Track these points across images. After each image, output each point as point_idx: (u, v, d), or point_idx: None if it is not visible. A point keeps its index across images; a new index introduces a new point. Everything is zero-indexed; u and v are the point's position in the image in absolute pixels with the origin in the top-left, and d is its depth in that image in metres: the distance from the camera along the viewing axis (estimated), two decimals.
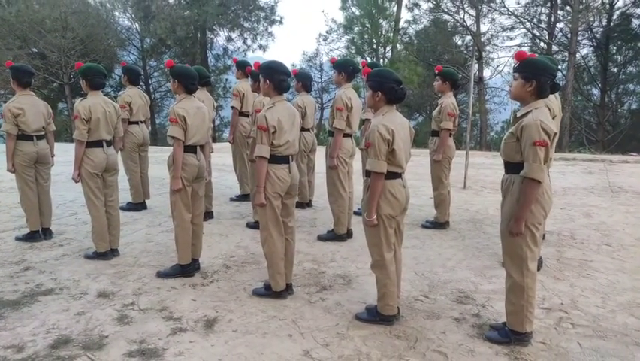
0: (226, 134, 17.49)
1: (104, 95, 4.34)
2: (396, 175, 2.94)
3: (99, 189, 4.20)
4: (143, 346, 2.79)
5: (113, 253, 4.24)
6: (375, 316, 3.08)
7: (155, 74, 25.80)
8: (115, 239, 4.29)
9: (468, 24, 22.17)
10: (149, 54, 25.33)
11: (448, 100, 5.06)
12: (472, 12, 22.01)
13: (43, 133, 4.68)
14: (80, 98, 4.30)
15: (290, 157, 3.40)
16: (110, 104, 4.31)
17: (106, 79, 4.56)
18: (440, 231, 5.12)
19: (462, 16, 22.28)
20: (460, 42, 24.12)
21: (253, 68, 5.68)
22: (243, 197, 6.27)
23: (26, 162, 4.54)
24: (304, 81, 5.58)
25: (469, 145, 7.68)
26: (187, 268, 3.85)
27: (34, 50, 22.18)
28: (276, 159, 3.31)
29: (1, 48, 21.31)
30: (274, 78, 3.36)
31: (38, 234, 4.61)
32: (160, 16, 22.78)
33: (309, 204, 5.98)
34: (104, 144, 4.21)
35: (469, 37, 22.98)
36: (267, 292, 3.47)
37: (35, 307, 3.25)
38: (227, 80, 25.78)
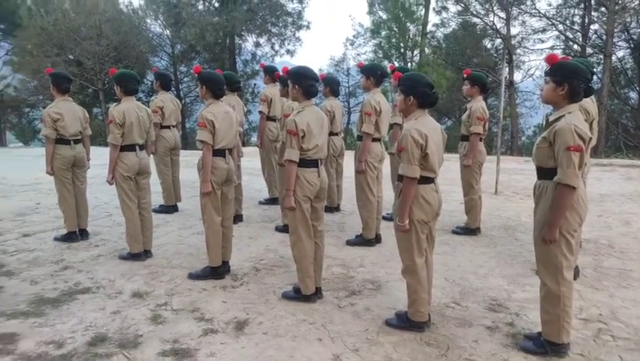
0: (254, 139, 17.67)
1: (136, 100, 4.45)
2: (429, 180, 2.92)
3: (132, 191, 4.30)
4: (176, 346, 2.84)
5: (146, 254, 4.33)
6: (406, 322, 3.05)
7: (185, 79, 26.30)
8: (148, 240, 4.38)
9: (498, 27, 21.78)
10: (179, 60, 25.87)
11: (478, 104, 4.99)
12: (502, 14, 21.61)
13: (80, 137, 4.83)
14: (115, 104, 4.42)
15: (319, 161, 3.42)
16: (142, 109, 4.43)
17: (139, 85, 4.68)
18: (471, 237, 5.03)
19: (491, 19, 21.92)
20: (489, 45, 23.72)
21: (281, 74, 5.75)
22: (271, 200, 6.32)
23: (64, 165, 4.69)
24: (332, 86, 5.60)
25: (499, 150, 7.54)
26: (217, 270, 3.90)
27: (71, 57, 22.94)
28: (306, 162, 3.34)
29: (40, 56, 22.15)
30: (303, 83, 3.39)
31: (75, 234, 4.75)
32: (190, 22, 23.23)
33: (337, 209, 5.98)
34: (137, 148, 4.32)
35: (499, 40, 22.57)
36: (297, 295, 3.48)
37: (74, 305, 3.35)
38: (255, 85, 26.07)
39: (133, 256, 4.27)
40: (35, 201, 6.03)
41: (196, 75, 4.03)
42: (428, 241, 3.02)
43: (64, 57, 22.68)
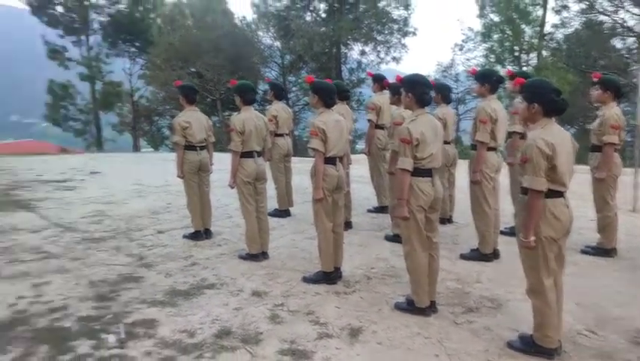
0: (359, 146, 17.81)
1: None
2: (559, 194, 2.72)
3: (251, 195, 4.57)
4: (294, 346, 2.95)
5: (263, 255, 4.57)
6: (531, 346, 2.85)
7: (294, 88, 27.40)
8: (265, 242, 4.63)
9: (630, 24, 19.61)
10: (288, 70, 27.05)
11: (611, 111, 4.52)
12: (635, 10, 19.43)
13: (205, 144, 5.24)
14: (235, 113, 4.74)
15: (433, 170, 3.35)
16: (260, 118, 4.69)
17: (256, 95, 4.97)
18: (604, 258, 4.56)
19: (622, 16, 19.80)
20: (619, 45, 21.43)
21: (390, 82, 5.73)
22: (380, 209, 6.32)
23: (192, 169, 5.12)
24: (443, 92, 5.46)
25: (638, 161, 6.74)
26: (330, 276, 3.98)
27: (193, 69, 25.14)
28: (419, 171, 3.29)
29: (168, 69, 24.60)
30: (416, 91, 3.36)
31: (201, 233, 5.17)
32: (299, 33, 24.21)
33: (449, 220, 5.79)
34: (255, 155, 4.58)
35: (631, 39, 20.30)
36: (410, 307, 3.43)
37: (202, 298, 3.65)
38: (360, 92, 26.35)
39: (251, 257, 4.53)
40: (166, 202, 6.68)
41: (308, 85, 4.19)
42: (557, 260, 2.80)
43: (187, 70, 24.94)
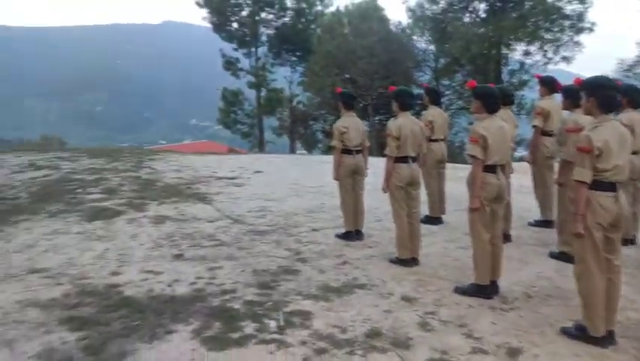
0: (518, 153, 16.49)
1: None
2: None
3: (404, 200, 4.58)
4: (445, 357, 2.87)
5: (413, 261, 4.53)
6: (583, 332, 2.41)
7: (447, 92, 26.62)
8: (415, 248, 4.58)
9: None
10: (441, 73, 26.38)
11: None
12: None
13: (360, 148, 5.39)
14: (392, 118, 4.79)
15: (617, 184, 2.96)
16: (416, 124, 4.67)
17: (414, 100, 4.95)
18: None
19: None
20: None
21: (564, 85, 5.18)
22: (543, 223, 5.76)
23: (347, 172, 5.31)
24: (631, 96, 4.77)
25: None
26: (485, 289, 3.77)
27: (347, 75, 26.08)
28: (600, 185, 2.95)
29: (323, 76, 25.94)
30: (600, 95, 3.02)
31: (352, 234, 5.33)
32: (456, 36, 23.42)
33: (632, 241, 5.01)
34: (410, 160, 4.57)
35: None
36: (580, 334, 3.07)
37: (353, 297, 3.76)
38: (522, 96, 24.41)
39: (401, 262, 4.52)
40: (321, 202, 7.04)
41: (470, 90, 4.03)
42: None
43: (342, 76, 25.96)
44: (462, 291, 3.85)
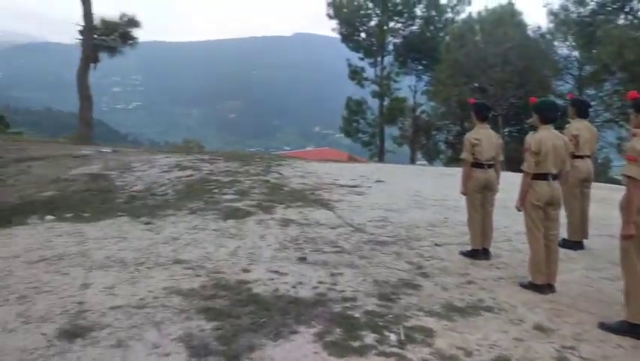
0: None
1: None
2: None
3: (540, 220, 4.22)
4: None
5: (549, 287, 4.14)
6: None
7: (593, 103, 24.00)
8: (552, 274, 4.18)
9: None
10: (586, 82, 23.85)
11: None
12: None
13: (493, 162, 5.09)
14: (532, 132, 4.44)
15: None
16: (559, 138, 4.29)
17: (557, 113, 4.53)
18: None
19: None
20: None
21: None
22: None
23: (476, 187, 5.04)
24: None
25: None
26: (639, 330, 3.29)
27: (476, 84, 24.90)
28: None
29: (450, 85, 25.09)
30: None
31: (479, 252, 5.04)
32: (606, 40, 21.00)
33: None
34: (550, 177, 4.20)
35: None
36: None
37: (479, 320, 3.55)
38: None
39: (534, 287, 4.16)
40: (444, 216, 6.79)
41: (631, 101, 3.58)
42: None
43: (471, 85, 24.84)
44: (609, 328, 3.41)
